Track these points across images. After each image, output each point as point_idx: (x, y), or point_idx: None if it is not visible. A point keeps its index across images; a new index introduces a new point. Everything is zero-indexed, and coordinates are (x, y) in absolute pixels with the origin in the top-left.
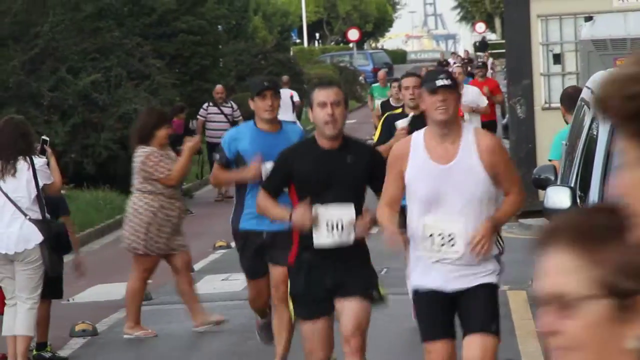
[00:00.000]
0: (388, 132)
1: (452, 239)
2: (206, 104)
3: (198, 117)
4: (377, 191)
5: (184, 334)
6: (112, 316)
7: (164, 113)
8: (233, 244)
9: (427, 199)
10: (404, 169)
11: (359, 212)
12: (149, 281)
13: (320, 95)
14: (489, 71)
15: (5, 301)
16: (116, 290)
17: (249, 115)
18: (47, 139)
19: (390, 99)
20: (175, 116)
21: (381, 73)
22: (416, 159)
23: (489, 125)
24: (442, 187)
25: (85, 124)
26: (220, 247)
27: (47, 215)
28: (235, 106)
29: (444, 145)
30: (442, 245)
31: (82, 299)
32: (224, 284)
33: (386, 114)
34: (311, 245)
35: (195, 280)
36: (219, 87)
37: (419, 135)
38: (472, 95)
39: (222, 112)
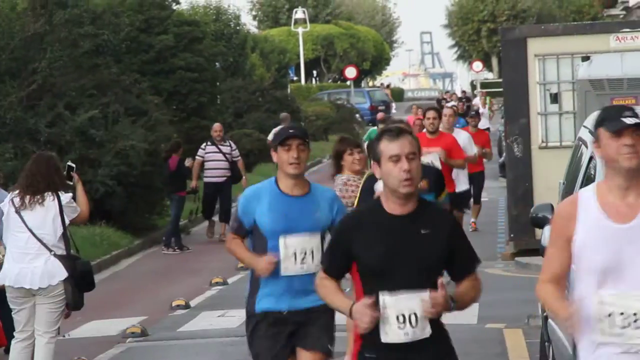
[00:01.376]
0: (369, 197)
1: (638, 319)
2: (204, 144)
3: (196, 157)
4: (456, 278)
5: None
6: (108, 352)
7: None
8: (230, 280)
9: (603, 268)
10: (571, 234)
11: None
12: (145, 317)
13: (393, 147)
14: (485, 111)
15: (15, 334)
16: (112, 326)
17: (246, 152)
18: (74, 165)
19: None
20: (174, 153)
21: (380, 114)
22: (587, 220)
23: (478, 176)
24: (624, 252)
25: (82, 160)
26: (217, 284)
27: (72, 251)
28: (233, 145)
29: (625, 200)
30: (625, 327)
31: (78, 335)
32: (220, 320)
33: (366, 175)
34: (378, 341)
35: (191, 316)
36: (216, 125)
37: (587, 190)
38: (463, 140)
39: (221, 151)
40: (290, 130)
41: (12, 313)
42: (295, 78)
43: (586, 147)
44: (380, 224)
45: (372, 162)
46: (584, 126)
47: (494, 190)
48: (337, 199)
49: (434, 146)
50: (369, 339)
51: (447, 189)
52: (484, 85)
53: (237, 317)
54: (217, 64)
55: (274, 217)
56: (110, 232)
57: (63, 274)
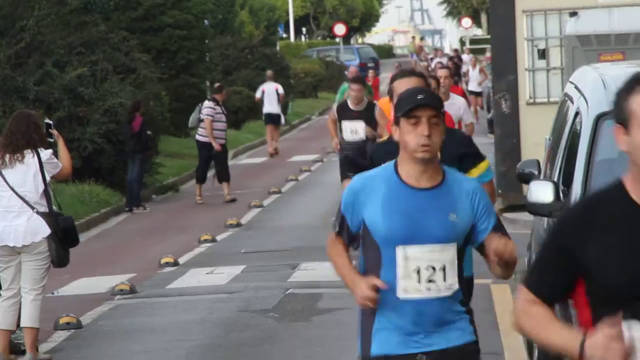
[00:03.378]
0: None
1: None
2: (213, 103)
3: (207, 116)
4: None
5: (167, 327)
6: (96, 309)
7: None
8: (218, 237)
9: None
10: None
11: None
12: (134, 274)
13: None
14: (475, 72)
15: (1, 292)
16: (101, 283)
17: (235, 109)
18: (51, 122)
19: (348, 100)
20: (137, 112)
21: (353, 68)
22: None
23: None
24: None
25: (71, 117)
26: (206, 241)
27: (55, 208)
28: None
29: None
30: None
31: (67, 292)
32: (208, 277)
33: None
34: None
35: (180, 273)
36: (225, 89)
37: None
38: (457, 110)
39: (224, 113)
40: (420, 96)
41: None
42: (284, 35)
43: (572, 102)
44: (627, 218)
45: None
46: (570, 82)
47: (482, 147)
48: (479, 192)
49: None
50: None
51: None
52: (473, 41)
53: (225, 274)
54: (205, 21)
55: (391, 219)
56: (99, 190)
57: (46, 231)
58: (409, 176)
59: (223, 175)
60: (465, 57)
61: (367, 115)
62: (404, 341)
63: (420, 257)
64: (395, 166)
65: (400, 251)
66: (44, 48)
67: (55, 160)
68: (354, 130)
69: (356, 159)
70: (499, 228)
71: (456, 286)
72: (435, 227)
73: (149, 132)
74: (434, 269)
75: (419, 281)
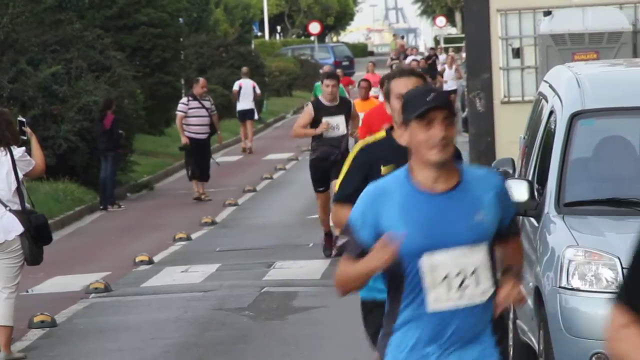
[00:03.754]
0: (362, 172)
1: None
2: (186, 99)
3: (178, 112)
4: None
5: (142, 325)
6: (71, 307)
7: None
8: (193, 236)
9: None
10: None
11: None
12: (108, 273)
13: None
14: (452, 71)
15: None
16: (75, 281)
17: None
18: (24, 119)
19: (321, 98)
20: (108, 110)
21: (326, 67)
22: None
23: None
24: None
25: (45, 115)
26: (180, 239)
27: (28, 206)
28: (211, 100)
29: None
30: None
31: (41, 291)
32: (183, 275)
33: (361, 144)
34: None
35: (155, 272)
36: (202, 80)
37: None
38: None
39: (204, 107)
40: (430, 96)
41: None
42: (259, 34)
43: (546, 101)
44: None
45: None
46: (545, 81)
47: (457, 145)
48: (503, 184)
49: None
50: None
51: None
52: (448, 40)
53: (200, 273)
54: (180, 19)
55: (411, 228)
56: (74, 188)
57: (19, 228)
58: (424, 181)
59: (203, 173)
60: (442, 57)
61: (343, 110)
62: (428, 356)
63: (449, 263)
64: (408, 172)
65: (426, 260)
66: (18, 46)
67: (28, 157)
68: (335, 125)
69: (326, 169)
70: (514, 224)
71: (491, 291)
72: (461, 230)
73: (120, 132)
74: (464, 274)
75: (450, 290)
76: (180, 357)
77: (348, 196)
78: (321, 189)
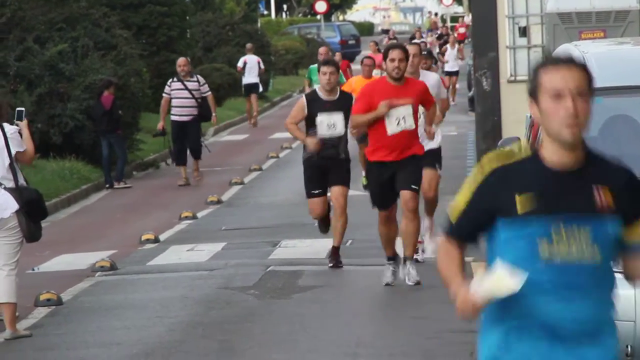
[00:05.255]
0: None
1: None
2: (170, 80)
3: (163, 95)
4: None
5: (148, 304)
6: (77, 286)
7: None
8: (199, 214)
9: None
10: None
11: None
12: (114, 251)
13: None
14: (454, 51)
15: None
16: (81, 259)
17: (216, 86)
18: (23, 109)
19: (317, 89)
20: (106, 90)
21: (322, 49)
22: None
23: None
24: None
25: (52, 94)
26: (186, 218)
27: (23, 183)
28: (202, 80)
29: None
30: None
31: (47, 269)
32: (189, 254)
33: (493, 162)
34: None
35: (161, 250)
36: (181, 59)
37: None
38: (432, 85)
39: (187, 88)
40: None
41: None
42: (265, 12)
43: None
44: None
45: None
46: None
47: (463, 124)
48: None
49: (402, 97)
50: None
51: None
52: (454, 19)
53: (205, 251)
54: None
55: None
56: (80, 166)
57: (14, 206)
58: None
59: (196, 152)
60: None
61: (343, 105)
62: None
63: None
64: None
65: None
66: (25, 24)
67: (20, 138)
68: (332, 124)
69: (323, 170)
70: None
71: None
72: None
73: (120, 112)
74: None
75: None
76: (185, 335)
77: (462, 235)
78: (316, 191)
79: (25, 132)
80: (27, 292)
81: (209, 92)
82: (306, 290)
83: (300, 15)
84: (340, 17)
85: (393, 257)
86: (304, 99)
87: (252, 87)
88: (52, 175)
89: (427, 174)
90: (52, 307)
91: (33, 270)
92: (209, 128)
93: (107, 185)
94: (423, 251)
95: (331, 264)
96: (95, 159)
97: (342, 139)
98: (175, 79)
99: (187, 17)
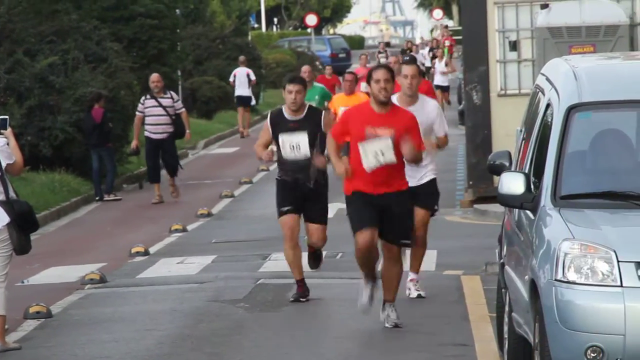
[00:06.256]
0: None
1: None
2: (143, 97)
3: (137, 113)
4: None
5: (137, 317)
6: (66, 298)
7: None
8: (189, 227)
9: None
10: None
11: None
12: (104, 264)
13: None
14: (441, 65)
15: None
16: (71, 272)
17: (206, 99)
18: (7, 117)
19: (284, 108)
20: (96, 103)
21: (305, 67)
22: None
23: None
24: None
25: (42, 106)
26: (176, 231)
27: (13, 195)
28: (175, 96)
29: None
30: None
31: (37, 281)
32: (179, 267)
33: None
34: None
35: (150, 263)
36: (154, 75)
37: None
38: (431, 111)
39: (160, 105)
40: None
41: None
42: (256, 25)
43: (543, 94)
44: None
45: None
46: (542, 73)
47: (453, 138)
48: None
49: (382, 126)
50: None
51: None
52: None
53: (196, 264)
54: (177, 10)
55: None
56: (70, 179)
57: (5, 219)
58: None
59: (173, 168)
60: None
61: (310, 124)
62: None
63: None
64: None
65: None
66: (15, 36)
67: (9, 150)
68: (295, 145)
69: (297, 186)
70: None
71: None
72: None
73: (110, 125)
74: None
75: None
76: (175, 348)
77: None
78: (286, 208)
79: (12, 141)
80: (16, 305)
81: (183, 109)
82: (296, 303)
83: (290, 28)
84: (331, 31)
85: (371, 279)
86: (268, 120)
87: (243, 100)
88: (42, 188)
89: (418, 213)
90: (41, 320)
91: (22, 282)
92: (199, 141)
93: (97, 198)
94: (417, 286)
95: (292, 299)
96: (85, 171)
97: (310, 162)
98: (148, 96)
99: (178, 30)
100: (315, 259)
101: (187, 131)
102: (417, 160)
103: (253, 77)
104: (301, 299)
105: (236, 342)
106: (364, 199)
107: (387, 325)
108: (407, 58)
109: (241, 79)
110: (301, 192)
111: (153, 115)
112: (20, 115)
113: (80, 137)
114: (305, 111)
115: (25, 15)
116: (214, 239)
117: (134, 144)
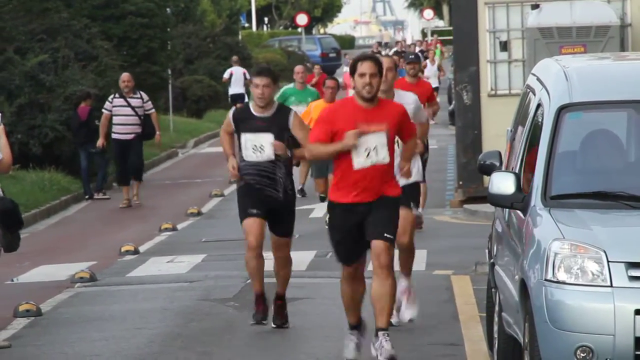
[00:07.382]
0: None
1: None
2: (111, 96)
3: (103, 111)
4: None
5: (127, 315)
6: (56, 297)
7: None
8: (179, 226)
9: None
10: None
11: None
12: (94, 262)
13: None
14: (434, 67)
15: None
16: (60, 271)
17: (197, 98)
18: None
19: (251, 103)
20: (83, 102)
21: (298, 67)
22: None
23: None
24: None
25: (32, 104)
26: (166, 230)
27: (0, 193)
28: (145, 97)
29: None
30: None
31: (26, 280)
32: (169, 265)
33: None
34: None
35: (140, 262)
36: (125, 75)
37: None
38: (409, 103)
39: (129, 105)
40: None
41: None
42: (246, 25)
43: (534, 94)
44: None
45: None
46: (532, 74)
47: (443, 138)
48: None
49: (374, 122)
50: None
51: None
52: (435, 33)
53: (186, 263)
54: (168, 9)
55: None
56: (60, 177)
57: None
58: None
59: (138, 171)
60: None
61: (277, 124)
62: None
63: None
64: None
65: None
66: (5, 34)
67: None
68: (259, 146)
69: (263, 193)
70: None
71: None
72: None
73: (97, 122)
74: None
75: None
76: (165, 347)
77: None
78: (255, 211)
79: (3, 139)
80: (6, 303)
81: (153, 110)
82: (289, 302)
83: (281, 28)
84: (322, 30)
85: (357, 325)
86: (231, 113)
87: (237, 98)
88: (32, 186)
89: (400, 214)
90: (31, 318)
91: (12, 281)
92: (189, 140)
93: (87, 197)
94: (398, 310)
95: (253, 322)
96: (74, 170)
97: (279, 168)
98: (117, 95)
99: (168, 29)
100: (281, 310)
101: (157, 132)
102: (413, 154)
103: (249, 76)
104: (263, 322)
105: (226, 341)
106: (345, 220)
107: (380, 358)
108: (412, 57)
109: (238, 77)
110: (267, 198)
111: (121, 115)
112: (10, 114)
113: (70, 136)
114: (275, 109)
115: (16, 13)
116: (204, 238)
117: (100, 142)
